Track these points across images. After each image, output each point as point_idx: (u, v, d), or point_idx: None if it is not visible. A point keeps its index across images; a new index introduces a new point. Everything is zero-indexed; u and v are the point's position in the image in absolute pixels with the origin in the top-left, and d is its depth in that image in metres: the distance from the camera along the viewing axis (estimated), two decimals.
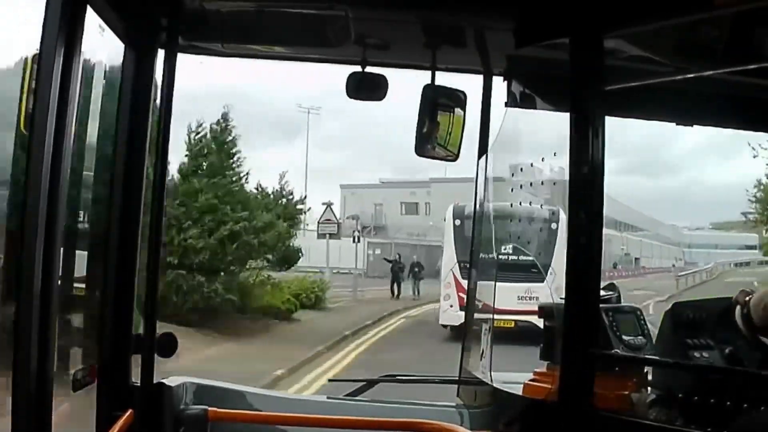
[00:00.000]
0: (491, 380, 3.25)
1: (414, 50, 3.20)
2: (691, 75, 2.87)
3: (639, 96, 3.10)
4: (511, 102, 3.23)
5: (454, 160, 3.23)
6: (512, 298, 16.19)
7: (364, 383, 3.62)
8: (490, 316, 3.64)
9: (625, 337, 2.93)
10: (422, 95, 3.17)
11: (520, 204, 3.38)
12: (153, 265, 2.79)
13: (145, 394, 2.79)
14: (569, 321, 2.69)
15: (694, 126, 3.50)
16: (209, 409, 2.95)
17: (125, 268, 2.76)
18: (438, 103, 3.17)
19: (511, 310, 14.33)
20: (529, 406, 2.95)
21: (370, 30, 3.03)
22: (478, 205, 3.57)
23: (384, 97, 3.19)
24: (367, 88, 3.19)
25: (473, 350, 3.62)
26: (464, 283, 14.31)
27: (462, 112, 3.21)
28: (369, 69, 3.16)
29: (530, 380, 3.02)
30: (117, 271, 2.75)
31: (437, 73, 3.19)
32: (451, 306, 21.09)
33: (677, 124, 3.51)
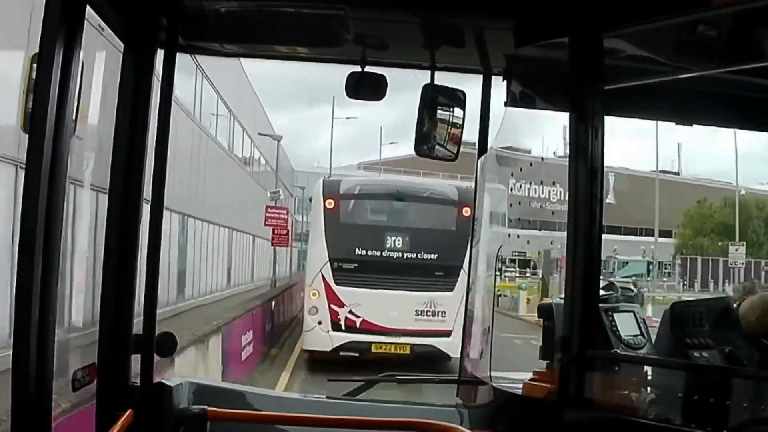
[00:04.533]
0: (491, 380, 3.25)
1: (413, 50, 3.20)
2: (691, 75, 2.87)
3: (638, 95, 3.10)
4: (511, 101, 3.22)
5: (454, 159, 3.22)
6: None
7: (364, 383, 3.62)
8: (490, 315, 3.64)
9: (624, 337, 2.93)
10: (422, 95, 3.16)
11: (519, 204, 3.37)
12: (153, 265, 2.79)
13: (144, 394, 2.78)
14: (568, 321, 2.70)
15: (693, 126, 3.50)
16: (209, 409, 2.94)
17: (125, 268, 2.75)
18: (437, 103, 3.17)
19: None
20: (529, 405, 2.95)
21: (370, 29, 3.03)
22: (477, 206, 3.57)
23: (383, 96, 3.18)
24: (366, 88, 3.19)
25: (473, 350, 3.62)
26: (339, 290, 14.67)
27: (462, 112, 3.21)
28: (368, 68, 3.16)
29: (530, 380, 3.03)
30: (117, 270, 2.74)
31: (436, 72, 3.19)
32: (320, 323, 15.40)
33: (677, 124, 3.51)
